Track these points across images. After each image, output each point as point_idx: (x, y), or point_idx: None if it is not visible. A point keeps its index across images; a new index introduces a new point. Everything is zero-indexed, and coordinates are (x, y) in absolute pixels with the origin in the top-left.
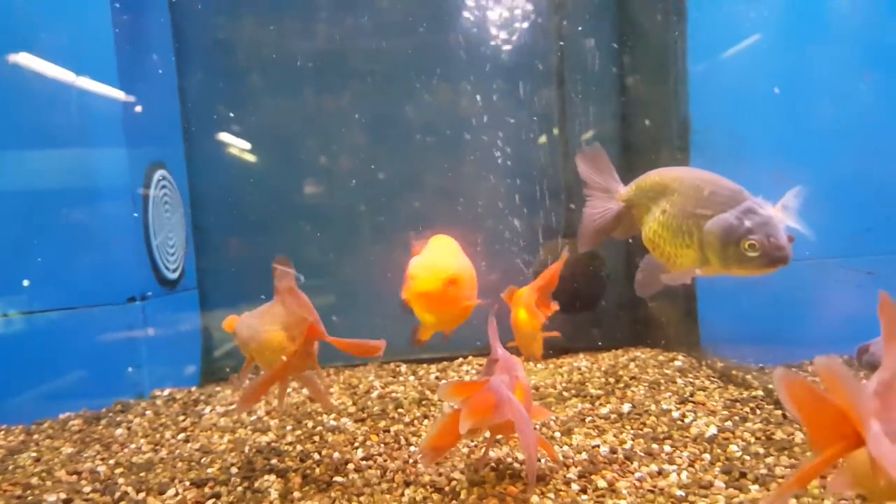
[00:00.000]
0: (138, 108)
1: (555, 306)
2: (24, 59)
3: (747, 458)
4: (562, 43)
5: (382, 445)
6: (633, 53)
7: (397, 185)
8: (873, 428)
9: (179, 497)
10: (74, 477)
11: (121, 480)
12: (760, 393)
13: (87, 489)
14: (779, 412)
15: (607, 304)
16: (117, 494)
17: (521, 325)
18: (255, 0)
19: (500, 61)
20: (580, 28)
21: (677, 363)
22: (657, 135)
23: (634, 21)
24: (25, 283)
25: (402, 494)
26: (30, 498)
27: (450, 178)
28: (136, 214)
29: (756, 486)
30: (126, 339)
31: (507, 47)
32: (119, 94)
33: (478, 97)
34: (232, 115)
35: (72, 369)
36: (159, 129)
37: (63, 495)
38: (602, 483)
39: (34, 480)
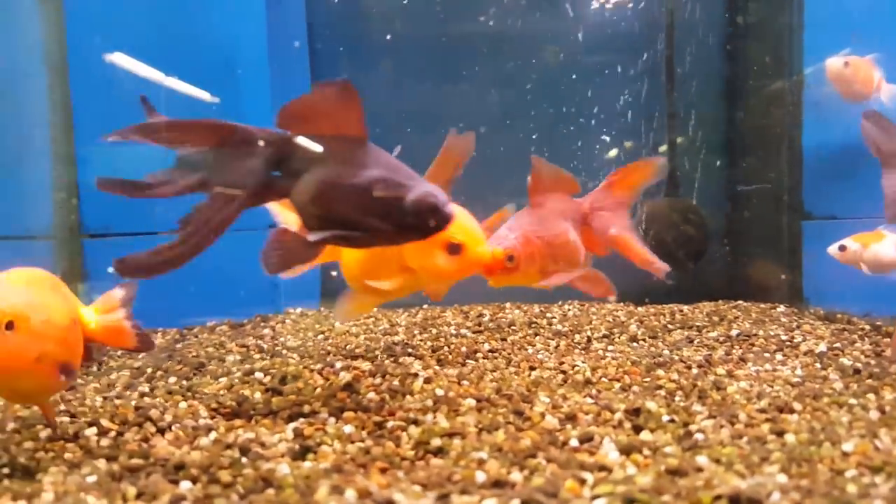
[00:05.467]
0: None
1: None
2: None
3: (859, 365)
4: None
5: (505, 347)
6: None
7: (520, 140)
8: None
9: (339, 363)
10: (244, 349)
11: (284, 351)
12: (867, 327)
13: (257, 356)
14: (887, 340)
15: (708, 260)
16: (280, 359)
17: None
18: None
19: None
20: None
21: (779, 310)
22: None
23: None
24: None
25: (529, 375)
26: (214, 357)
27: (562, 133)
28: None
29: (871, 381)
30: None
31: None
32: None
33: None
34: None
35: (217, 284)
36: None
37: (238, 357)
38: (721, 371)
39: (210, 350)
